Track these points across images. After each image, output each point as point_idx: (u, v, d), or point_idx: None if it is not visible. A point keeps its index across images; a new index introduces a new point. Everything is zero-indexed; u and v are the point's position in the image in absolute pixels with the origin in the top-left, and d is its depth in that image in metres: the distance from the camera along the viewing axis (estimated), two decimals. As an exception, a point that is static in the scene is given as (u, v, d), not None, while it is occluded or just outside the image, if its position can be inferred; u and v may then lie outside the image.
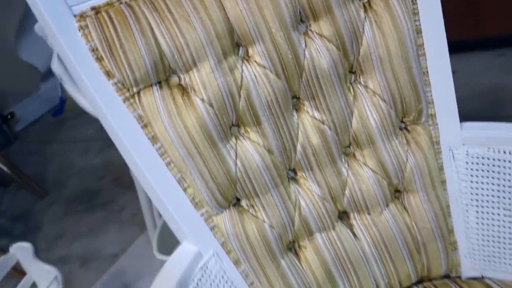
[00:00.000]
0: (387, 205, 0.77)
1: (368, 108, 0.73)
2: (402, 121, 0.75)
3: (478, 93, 2.12)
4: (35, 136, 3.17)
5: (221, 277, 0.71)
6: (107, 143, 3.05)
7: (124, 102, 0.64)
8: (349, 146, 0.76)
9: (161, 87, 0.65)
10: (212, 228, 0.70)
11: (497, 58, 2.33)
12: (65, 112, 3.29)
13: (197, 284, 0.67)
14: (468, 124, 0.75)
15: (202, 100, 0.65)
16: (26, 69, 2.98)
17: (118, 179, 2.55)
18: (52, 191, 2.65)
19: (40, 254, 1.25)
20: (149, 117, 0.65)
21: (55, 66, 1.16)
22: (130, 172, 1.44)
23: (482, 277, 0.81)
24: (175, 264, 0.67)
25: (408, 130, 0.75)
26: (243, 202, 0.72)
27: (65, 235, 2.11)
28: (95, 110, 0.65)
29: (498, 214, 0.75)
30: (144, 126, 0.65)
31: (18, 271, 1.26)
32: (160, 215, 1.70)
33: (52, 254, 1.99)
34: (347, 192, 0.76)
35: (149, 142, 0.66)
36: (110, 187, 2.50)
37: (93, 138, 3.19)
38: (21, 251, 1.20)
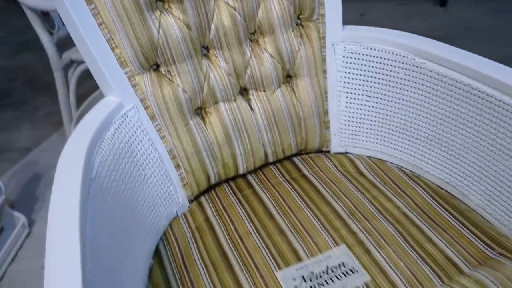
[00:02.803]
0: (279, 86, 0.95)
1: (273, 2, 0.89)
2: (298, 18, 0.92)
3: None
4: None
5: (138, 127, 0.85)
6: (20, 47, 2.96)
7: (64, -40, 0.73)
8: (254, 33, 0.91)
9: (98, -47, 0.75)
10: (133, 86, 0.84)
11: (398, 7, 2.61)
12: (-27, 9, 3.09)
13: (118, 127, 0.81)
14: (348, 26, 0.94)
15: (134, -30, 0.77)
16: None
17: (32, 82, 2.52)
18: (-42, 89, 2.56)
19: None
20: (85, -22, 0.75)
21: None
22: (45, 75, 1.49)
23: (346, 152, 1.04)
24: (99, 109, 0.81)
25: (302, 26, 0.93)
26: (162, 68, 0.86)
27: (-24, 126, 2.10)
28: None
29: (362, 100, 0.96)
30: (81, -15, 0.75)
31: None
32: (76, 110, 1.77)
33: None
34: (248, 71, 0.92)
35: (84, 2, 0.76)
36: (23, 89, 2.47)
37: (4, 41, 3.06)
38: None
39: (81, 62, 1.67)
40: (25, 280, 1.33)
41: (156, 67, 0.86)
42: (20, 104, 2.33)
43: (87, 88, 1.79)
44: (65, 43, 1.63)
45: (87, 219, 0.60)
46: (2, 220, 1.40)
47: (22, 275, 1.34)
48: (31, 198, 1.65)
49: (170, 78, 0.87)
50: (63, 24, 1.56)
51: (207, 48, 0.89)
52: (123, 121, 0.82)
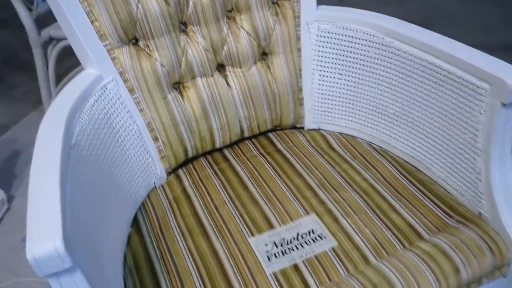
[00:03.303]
0: (255, 63, 0.98)
1: (249, -20, 0.92)
2: (274, -4, 0.95)
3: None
4: None
5: (117, 99, 0.88)
6: (-3, 24, 2.91)
7: None
8: (231, 11, 0.94)
9: None
10: (113, 59, 0.86)
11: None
12: None
13: (97, 99, 0.83)
14: (322, 6, 0.97)
15: None
16: None
17: (9, 60, 2.49)
18: None
19: None
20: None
21: None
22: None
23: (319, 129, 1.09)
24: (79, 80, 0.83)
25: (278, 4, 0.96)
26: (141, 43, 0.89)
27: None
28: None
29: (334, 78, 1.00)
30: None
31: None
32: (56, 88, 1.78)
33: None
34: (225, 47, 0.95)
35: (63, -25, 0.78)
36: (0, 66, 2.44)
37: (-20, 18, 3.00)
38: None
39: (61, 39, 1.67)
40: (4, 254, 1.35)
41: (135, 41, 0.88)
42: (-3, 82, 2.31)
43: (67, 67, 1.79)
44: (44, 20, 1.63)
45: (67, 182, 0.63)
46: (-20, 195, 1.42)
47: (1, 250, 1.36)
48: (10, 174, 1.66)
49: (148, 52, 0.89)
50: (43, 1, 1.56)
51: (185, 24, 0.92)
52: (102, 93, 0.85)
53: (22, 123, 1.96)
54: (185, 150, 0.98)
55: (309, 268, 0.76)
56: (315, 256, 0.78)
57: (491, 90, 0.72)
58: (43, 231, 0.53)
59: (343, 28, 0.94)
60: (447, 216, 0.83)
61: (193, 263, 0.79)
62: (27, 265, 1.29)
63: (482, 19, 2.34)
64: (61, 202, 0.57)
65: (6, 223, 1.46)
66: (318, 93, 1.03)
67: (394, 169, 0.94)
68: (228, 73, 0.98)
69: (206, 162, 1.02)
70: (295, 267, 0.77)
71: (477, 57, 0.74)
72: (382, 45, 0.89)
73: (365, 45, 0.92)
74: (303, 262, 0.77)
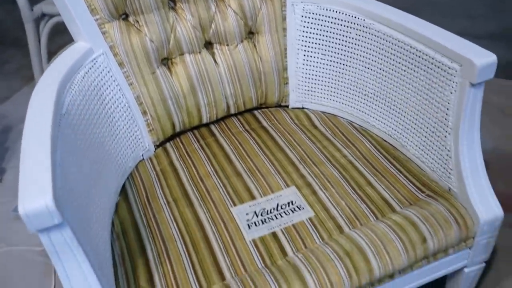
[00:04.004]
0: (242, 41, 1.02)
1: (237, -40, 0.94)
2: (261, -23, 0.98)
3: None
4: None
5: (107, 72, 0.91)
6: (-11, 0, 2.90)
7: None
8: (219, -11, 0.97)
9: None
10: (103, 33, 0.89)
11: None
12: None
13: (88, 71, 0.86)
14: (308, -12, 1.00)
15: None
16: None
17: (1, 36, 2.50)
18: None
19: None
20: None
21: None
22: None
23: (303, 107, 1.13)
24: (70, 52, 0.86)
25: (265, -15, 0.99)
26: (131, 18, 0.92)
27: None
28: None
29: (318, 58, 1.04)
30: None
31: None
32: (47, 63, 1.79)
33: None
34: (213, 25, 0.98)
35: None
36: (-8, 43, 2.45)
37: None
38: None
39: (53, 15, 1.68)
40: (-5, 224, 1.38)
41: (125, 16, 0.91)
42: (-11, 58, 2.31)
43: (59, 45, 1.80)
44: (36, -5, 1.64)
45: (58, 147, 0.67)
46: (-28, 167, 1.44)
47: (-8, 220, 1.39)
48: (1, 148, 1.68)
49: (138, 27, 0.92)
50: (35, -24, 1.57)
51: (174, 1, 0.95)
52: (92, 66, 0.88)
53: (14, 98, 1.97)
54: (173, 125, 1.02)
55: (286, 236, 0.81)
56: (293, 225, 0.83)
57: (461, 70, 0.76)
58: (35, 189, 0.56)
59: (327, 10, 0.97)
60: (418, 191, 0.87)
61: (177, 230, 0.84)
62: (19, 235, 1.33)
63: (467, 7, 2.37)
64: (52, 164, 0.60)
65: (-2, 195, 1.49)
66: (303, 72, 1.07)
67: (373, 147, 0.99)
68: (215, 50, 1.01)
69: (193, 136, 1.06)
70: (274, 235, 0.81)
71: (449, 39, 0.78)
72: (363, 26, 0.93)
73: (347, 26, 0.96)
74: (281, 230, 0.82)
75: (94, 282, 0.65)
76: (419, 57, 0.83)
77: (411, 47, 0.84)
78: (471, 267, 0.89)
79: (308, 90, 1.09)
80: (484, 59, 0.73)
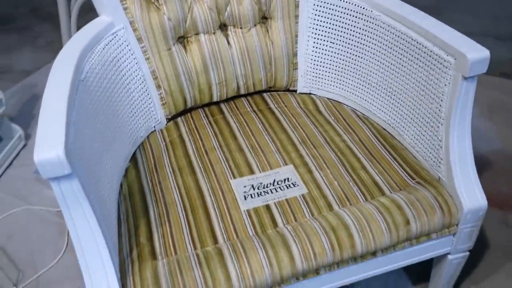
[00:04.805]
0: (255, 25, 1.07)
1: None
2: (277, -36, 1.03)
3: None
4: None
5: (126, 46, 0.97)
6: (26, -25, 3.02)
7: None
8: (236, -26, 1.02)
9: None
10: (124, 8, 0.96)
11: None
12: None
13: (108, 43, 0.93)
14: (321, -23, 1.05)
15: None
16: None
17: (35, 10, 2.61)
18: (-37, 10, 2.64)
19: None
20: None
21: None
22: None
23: (310, 93, 1.17)
24: (93, 25, 0.93)
25: (280, -28, 1.04)
26: (151, -4, 0.98)
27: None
28: None
29: (327, 46, 1.08)
30: None
31: None
32: (77, 38, 1.88)
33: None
34: (228, 8, 1.04)
35: None
36: (26, 16, 2.56)
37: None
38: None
39: (84, -8, 1.76)
40: (19, 185, 1.48)
41: (146, -5, 0.98)
42: (23, 29, 2.42)
43: (87, 22, 1.89)
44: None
45: (74, 108, 0.74)
46: (1, 129, 1.54)
47: (16, 180, 1.49)
48: (28, 115, 1.78)
49: (157, 5, 0.98)
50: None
51: (193, -17, 1.00)
52: (113, 38, 0.95)
53: (43, 69, 2.07)
54: (185, 100, 1.08)
55: (279, 209, 0.87)
56: (286, 200, 0.88)
57: (455, 63, 0.80)
58: (49, 141, 0.64)
59: (338, 0, 1.02)
60: (409, 178, 0.92)
61: (179, 196, 0.90)
62: (39, 196, 1.42)
63: (493, 7, 2.35)
64: (67, 121, 0.67)
65: (22, 158, 1.59)
66: (311, 59, 1.11)
67: (372, 134, 1.03)
68: (229, 32, 1.07)
69: (203, 113, 1.12)
70: (267, 207, 0.87)
71: (447, 33, 0.81)
72: (370, 17, 0.96)
73: (356, 17, 1.00)
74: (274, 203, 0.88)
75: (97, 232, 0.72)
76: (419, 49, 0.87)
77: (412, 39, 0.88)
78: (454, 254, 0.93)
79: (316, 77, 1.13)
80: (477, 53, 0.76)
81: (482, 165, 1.44)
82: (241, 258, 0.78)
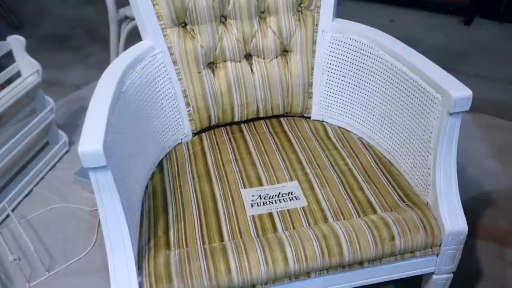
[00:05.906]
0: (276, 57, 1.21)
1: (281, -10, 1.15)
2: (299, 5, 1.18)
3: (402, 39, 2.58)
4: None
5: (163, 67, 1.14)
6: (85, 0, 3.31)
7: None
8: (263, 12, 1.18)
9: None
10: (164, 35, 1.12)
11: (426, 19, 2.80)
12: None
13: (148, 63, 1.10)
14: (337, 19, 1.19)
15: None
16: None
17: (90, 32, 2.87)
18: (27, 27, 2.93)
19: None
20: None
21: None
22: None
23: (322, 120, 1.30)
24: (136, 48, 1.09)
25: (301, 12, 1.19)
26: (188, 27, 1.14)
27: (39, 58, 2.44)
28: None
29: (339, 79, 1.21)
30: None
31: None
32: (123, 59, 2.08)
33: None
34: (254, 41, 1.19)
35: (139, -32, 1.05)
36: (81, 36, 2.82)
37: (71, -8, 3.41)
38: (14, 41, 1.56)
39: (133, 19, 1.98)
40: (60, 185, 1.65)
41: (184, 25, 1.14)
42: (77, 48, 2.68)
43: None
44: (123, 1, 1.94)
45: (114, 113, 0.89)
46: (49, 134, 1.73)
47: (57, 180, 1.67)
48: (74, 124, 1.98)
49: (193, 35, 1.14)
50: (124, -16, 1.86)
51: (225, 17, 1.16)
52: (152, 60, 1.11)
53: (92, 85, 2.29)
54: (209, 118, 1.23)
55: (280, 217, 0.98)
56: (288, 210, 1.00)
57: (442, 100, 0.91)
58: (91, 137, 0.79)
59: (350, 39, 1.15)
60: (400, 200, 1.02)
61: (195, 199, 1.03)
62: (76, 196, 1.59)
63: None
64: (107, 123, 0.83)
65: (65, 161, 1.77)
66: (325, 90, 1.24)
67: (373, 160, 1.14)
68: (253, 61, 1.22)
69: (225, 130, 1.26)
70: (270, 214, 0.99)
71: (437, 73, 0.93)
72: (377, 56, 1.09)
73: (364, 55, 1.12)
74: (277, 212, 0.99)
75: (123, 221, 0.86)
76: (415, 86, 0.99)
77: (409, 77, 1.00)
78: (439, 275, 1.01)
79: (328, 106, 1.26)
80: (460, 92, 0.87)
81: (485, 201, 1.51)
82: (241, 254, 0.90)
